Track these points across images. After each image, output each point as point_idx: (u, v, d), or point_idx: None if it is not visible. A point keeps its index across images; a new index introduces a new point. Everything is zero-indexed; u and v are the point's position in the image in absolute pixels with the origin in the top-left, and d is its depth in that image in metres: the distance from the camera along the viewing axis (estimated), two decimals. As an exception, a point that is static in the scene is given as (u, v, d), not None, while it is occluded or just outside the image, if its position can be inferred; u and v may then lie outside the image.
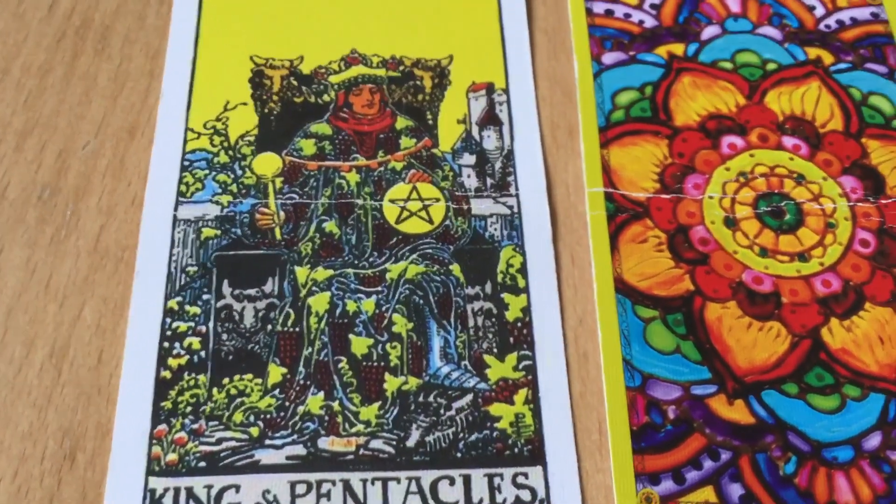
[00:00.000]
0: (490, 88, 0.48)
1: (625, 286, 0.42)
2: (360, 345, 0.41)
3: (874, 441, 0.39)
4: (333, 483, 0.37)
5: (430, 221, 0.44)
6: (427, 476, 0.38)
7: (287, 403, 0.39)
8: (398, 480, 0.37)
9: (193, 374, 0.39)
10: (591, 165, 0.45)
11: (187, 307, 0.41)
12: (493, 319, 0.41)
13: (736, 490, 0.38)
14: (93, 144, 0.46)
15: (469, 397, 0.40)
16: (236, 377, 0.39)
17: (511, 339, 0.41)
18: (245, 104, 0.47)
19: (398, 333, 0.41)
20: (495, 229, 0.44)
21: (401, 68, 0.49)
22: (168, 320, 0.40)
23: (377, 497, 0.37)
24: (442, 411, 0.39)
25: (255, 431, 0.38)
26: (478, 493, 0.37)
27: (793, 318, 0.42)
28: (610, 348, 0.41)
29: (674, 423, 0.39)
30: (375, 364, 0.40)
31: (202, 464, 0.37)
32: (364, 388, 0.40)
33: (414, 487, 0.37)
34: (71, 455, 0.38)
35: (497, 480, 0.38)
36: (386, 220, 0.44)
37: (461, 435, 0.39)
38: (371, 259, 0.43)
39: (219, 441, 0.38)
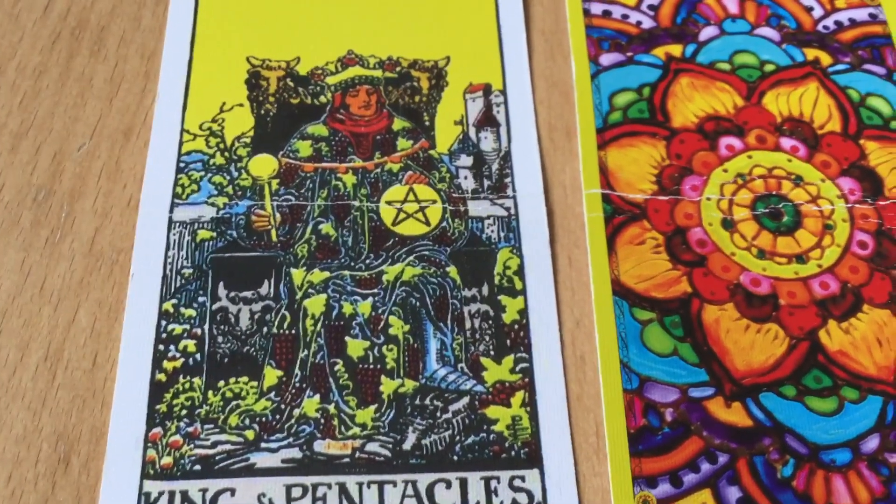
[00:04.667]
0: (487, 90, 0.48)
1: (622, 288, 0.42)
2: (356, 347, 0.40)
3: (872, 443, 0.39)
4: (329, 486, 0.37)
5: (427, 223, 0.44)
6: (423, 479, 0.37)
7: (283, 406, 0.39)
8: (394, 484, 0.37)
9: (188, 377, 0.39)
10: (588, 167, 0.45)
11: (182, 309, 0.41)
12: (490, 322, 0.41)
13: (734, 493, 0.37)
14: (88, 146, 0.45)
15: (465, 400, 0.39)
16: (232, 380, 0.39)
17: (508, 342, 0.41)
18: (241, 105, 0.47)
19: (394, 336, 0.41)
20: (492, 231, 0.44)
21: (398, 69, 0.48)
22: (163, 323, 0.40)
23: (373, 500, 0.37)
24: (438, 414, 0.39)
25: (250, 434, 0.38)
26: (474, 496, 0.37)
27: (791, 320, 0.41)
28: (607, 351, 0.40)
29: (671, 426, 0.39)
30: (372, 367, 0.40)
31: (197, 467, 0.37)
32: (360, 390, 0.39)
33: (410, 490, 0.37)
34: (65, 459, 0.37)
35: (494, 483, 0.37)
36: (382, 222, 0.44)
37: (458, 438, 0.38)
38: (367, 261, 0.42)
39: (214, 444, 0.38)
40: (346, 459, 0.38)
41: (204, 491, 0.37)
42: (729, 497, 0.37)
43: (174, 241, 0.42)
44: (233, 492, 0.37)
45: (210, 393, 0.39)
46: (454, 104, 0.47)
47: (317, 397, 0.39)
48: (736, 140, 0.46)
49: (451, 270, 0.42)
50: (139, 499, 0.36)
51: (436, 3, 0.51)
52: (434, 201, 0.44)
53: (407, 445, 0.38)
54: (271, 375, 0.39)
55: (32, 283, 0.41)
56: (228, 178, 0.44)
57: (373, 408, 0.39)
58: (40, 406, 0.39)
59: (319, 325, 0.41)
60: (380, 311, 0.41)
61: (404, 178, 0.45)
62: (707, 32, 0.50)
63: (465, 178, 0.45)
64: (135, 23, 0.50)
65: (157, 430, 0.38)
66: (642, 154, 0.46)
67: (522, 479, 0.38)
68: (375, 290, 0.42)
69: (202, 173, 0.44)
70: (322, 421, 0.39)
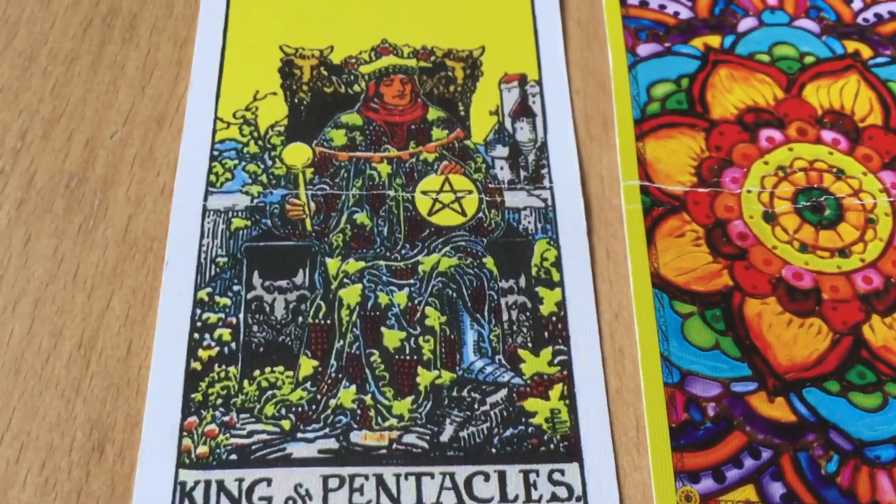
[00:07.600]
0: (523, 80, 0.47)
1: (662, 281, 0.41)
2: (392, 338, 0.40)
3: (917, 440, 0.38)
4: (367, 478, 0.37)
5: (463, 214, 0.43)
6: (461, 471, 0.37)
7: (319, 396, 0.38)
8: (432, 476, 0.37)
9: (224, 366, 0.39)
10: (626, 158, 0.45)
11: (217, 298, 0.40)
12: (528, 313, 0.41)
13: (777, 489, 0.37)
14: (121, 133, 0.45)
15: (503, 392, 0.39)
16: (267, 369, 0.39)
17: (546, 334, 0.40)
18: (274, 94, 0.46)
19: (431, 327, 0.40)
20: (529, 222, 0.43)
21: (432, 59, 0.48)
22: (198, 311, 0.40)
23: (411, 492, 0.36)
24: (476, 406, 0.38)
25: (286, 424, 0.38)
26: (513, 489, 0.37)
27: (834, 314, 0.41)
28: (647, 344, 0.40)
29: (713, 421, 0.38)
30: (408, 358, 0.39)
31: (233, 457, 0.37)
32: (397, 381, 0.39)
33: (448, 483, 0.37)
34: (100, 447, 0.37)
35: (533, 477, 0.37)
36: (418, 212, 0.43)
37: (496, 430, 0.38)
38: (403, 251, 0.42)
39: (250, 434, 0.37)
40: (383, 451, 0.37)
41: (240, 481, 0.36)
42: (773, 493, 0.37)
43: (208, 229, 0.42)
44: (269, 482, 0.36)
45: (245, 382, 0.38)
46: (489, 94, 0.47)
47: (353, 388, 0.39)
48: (776, 132, 0.46)
49: (488, 261, 0.42)
50: (175, 488, 0.36)
51: (470, -7, 0.50)
52: (470, 191, 0.44)
53: (444, 437, 0.38)
54: (307, 365, 0.39)
55: (66, 271, 0.41)
56: (262, 166, 0.44)
57: (409, 399, 0.38)
58: (74, 394, 0.38)
59: (355, 315, 0.40)
60: (416, 301, 0.41)
61: (440, 167, 0.44)
62: (746, 23, 0.49)
63: (501, 168, 0.45)
64: (167, 10, 0.49)
65: (193, 419, 0.37)
66: (681, 145, 0.45)
67: (562, 472, 0.37)
68: (411, 281, 0.41)
69: (236, 161, 0.44)
70: (358, 412, 0.38)
